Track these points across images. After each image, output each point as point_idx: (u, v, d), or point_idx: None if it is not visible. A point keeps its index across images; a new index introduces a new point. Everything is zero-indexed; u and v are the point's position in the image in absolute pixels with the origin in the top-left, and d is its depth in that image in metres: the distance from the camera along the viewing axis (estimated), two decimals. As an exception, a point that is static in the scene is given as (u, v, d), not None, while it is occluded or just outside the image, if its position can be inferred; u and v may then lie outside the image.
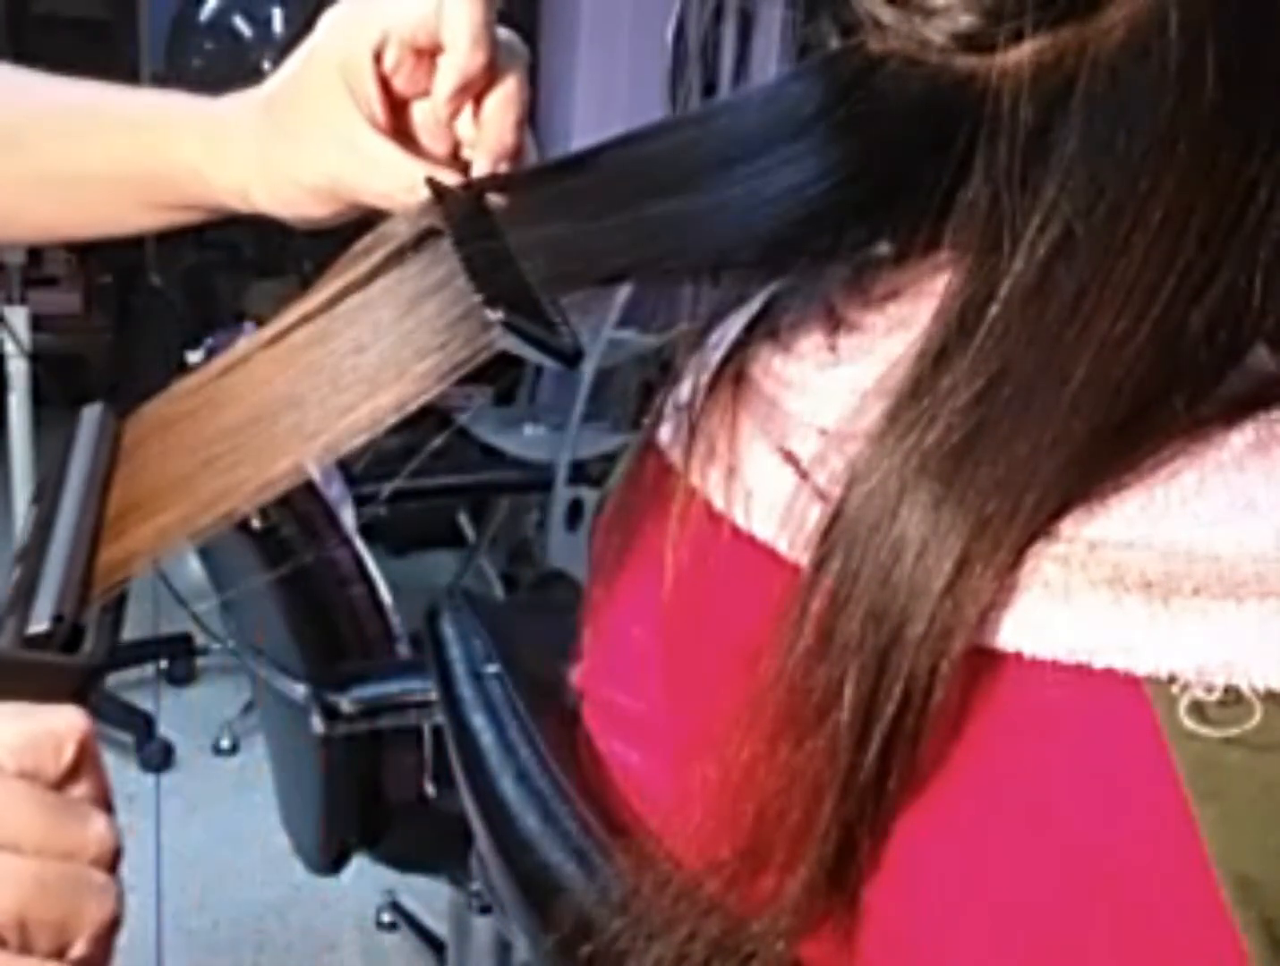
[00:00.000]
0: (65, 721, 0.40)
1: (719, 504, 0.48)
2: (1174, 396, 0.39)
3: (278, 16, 3.22)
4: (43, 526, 0.46)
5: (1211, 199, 0.39)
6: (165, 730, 2.52)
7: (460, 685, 0.69)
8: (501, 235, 0.44)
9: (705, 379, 0.51)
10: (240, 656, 1.68)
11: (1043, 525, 0.38)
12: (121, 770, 2.42)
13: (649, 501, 0.54)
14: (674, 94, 3.08)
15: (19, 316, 2.05)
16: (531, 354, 0.42)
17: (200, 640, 2.75)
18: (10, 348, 2.06)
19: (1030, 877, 0.39)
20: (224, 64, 3.22)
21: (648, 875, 0.48)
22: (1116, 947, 0.38)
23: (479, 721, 0.66)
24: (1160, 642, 0.36)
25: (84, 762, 0.41)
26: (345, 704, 1.38)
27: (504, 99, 0.51)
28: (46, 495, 0.48)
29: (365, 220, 0.54)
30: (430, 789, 1.46)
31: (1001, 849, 0.40)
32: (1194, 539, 0.37)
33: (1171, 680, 0.36)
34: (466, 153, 0.52)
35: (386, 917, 2.07)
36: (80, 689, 0.42)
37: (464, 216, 0.45)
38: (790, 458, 0.46)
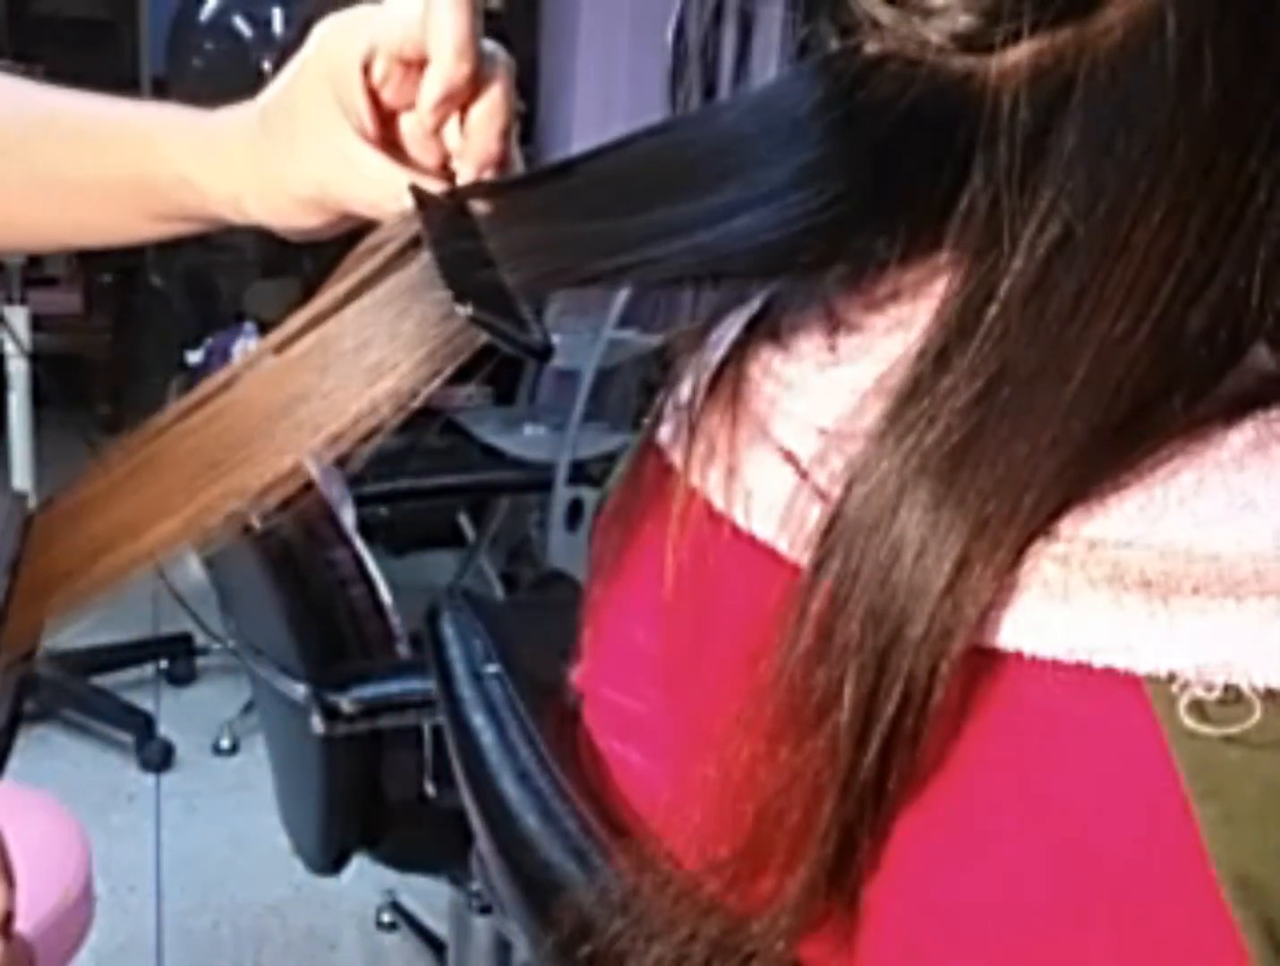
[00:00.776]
0: None
1: (719, 504, 0.48)
2: (1173, 396, 0.39)
3: (278, 16, 3.22)
4: None
5: (1210, 199, 0.39)
6: (165, 730, 2.52)
7: (460, 685, 0.69)
8: (480, 237, 0.45)
9: (705, 379, 0.51)
10: (240, 656, 1.68)
11: (1042, 525, 0.38)
12: (121, 770, 2.42)
13: (649, 501, 0.54)
14: (674, 94, 3.08)
15: (19, 316, 2.05)
16: (504, 347, 0.42)
17: (200, 640, 2.75)
18: (10, 348, 2.06)
19: (1030, 877, 0.39)
20: (224, 64, 3.22)
21: (648, 875, 0.48)
22: (1116, 946, 0.38)
23: (479, 721, 0.66)
24: (1160, 641, 0.36)
25: None
26: (345, 704, 1.38)
27: (489, 109, 0.51)
28: None
29: (358, 229, 0.55)
30: (430, 789, 1.46)
31: (1001, 848, 0.40)
32: (1193, 538, 0.37)
33: (1171, 679, 0.36)
34: (455, 164, 0.53)
35: (386, 917, 2.07)
36: None
37: (443, 221, 0.46)
38: (790, 457, 0.46)
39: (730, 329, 0.52)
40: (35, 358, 2.09)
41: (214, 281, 3.88)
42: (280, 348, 0.47)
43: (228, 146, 0.56)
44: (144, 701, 2.63)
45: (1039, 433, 0.38)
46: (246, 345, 1.58)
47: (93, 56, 3.78)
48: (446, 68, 0.49)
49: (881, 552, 0.40)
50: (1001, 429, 0.39)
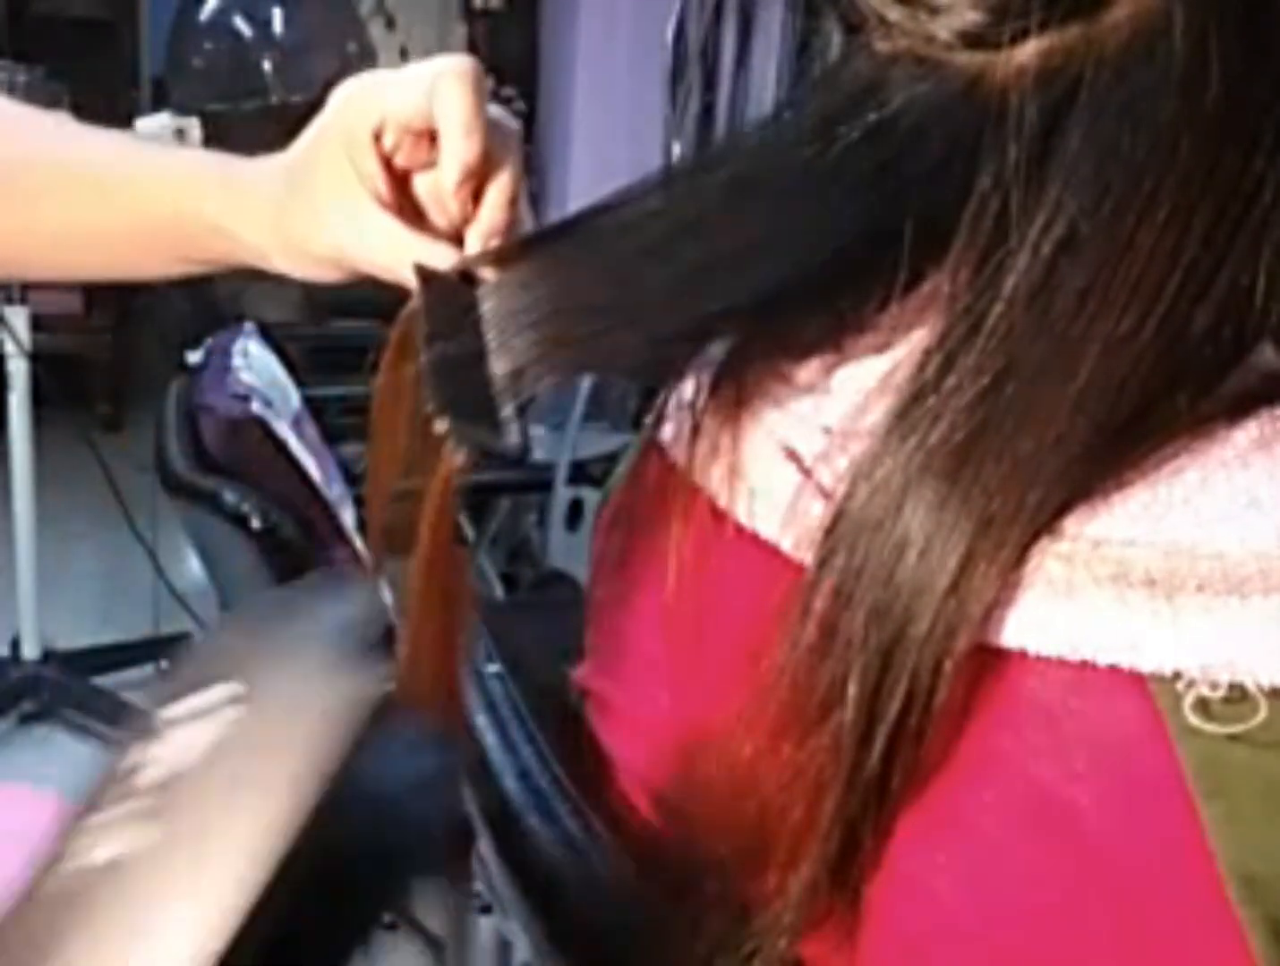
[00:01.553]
0: None
1: (722, 502, 0.48)
2: (1178, 394, 0.39)
3: (278, 16, 3.21)
4: None
5: (1215, 197, 0.38)
6: (165, 730, 2.51)
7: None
8: (475, 320, 0.46)
9: (708, 377, 0.51)
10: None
11: (1046, 523, 0.38)
12: (121, 770, 2.41)
13: (652, 501, 0.54)
14: (674, 94, 3.07)
15: (19, 316, 2.05)
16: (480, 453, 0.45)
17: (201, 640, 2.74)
18: (10, 348, 2.05)
19: (1034, 874, 0.39)
20: (224, 64, 3.22)
21: (649, 873, 0.48)
22: (1121, 944, 0.38)
23: (480, 721, 0.66)
24: (1164, 640, 0.36)
25: None
26: (345, 704, 1.37)
27: (498, 191, 0.52)
28: None
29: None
30: (430, 789, 1.46)
31: (1005, 845, 0.40)
32: (1197, 536, 0.37)
33: (1176, 677, 0.36)
34: (466, 230, 0.54)
35: (386, 917, 2.07)
36: None
37: (443, 306, 0.47)
38: (793, 456, 0.46)
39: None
40: (35, 358, 2.09)
41: (214, 282, 3.88)
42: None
43: (256, 202, 0.57)
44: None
45: (1044, 431, 0.38)
46: (246, 345, 1.58)
47: (93, 56, 3.78)
48: (458, 148, 0.50)
49: (886, 550, 0.40)
50: (1006, 427, 0.39)
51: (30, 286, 2.10)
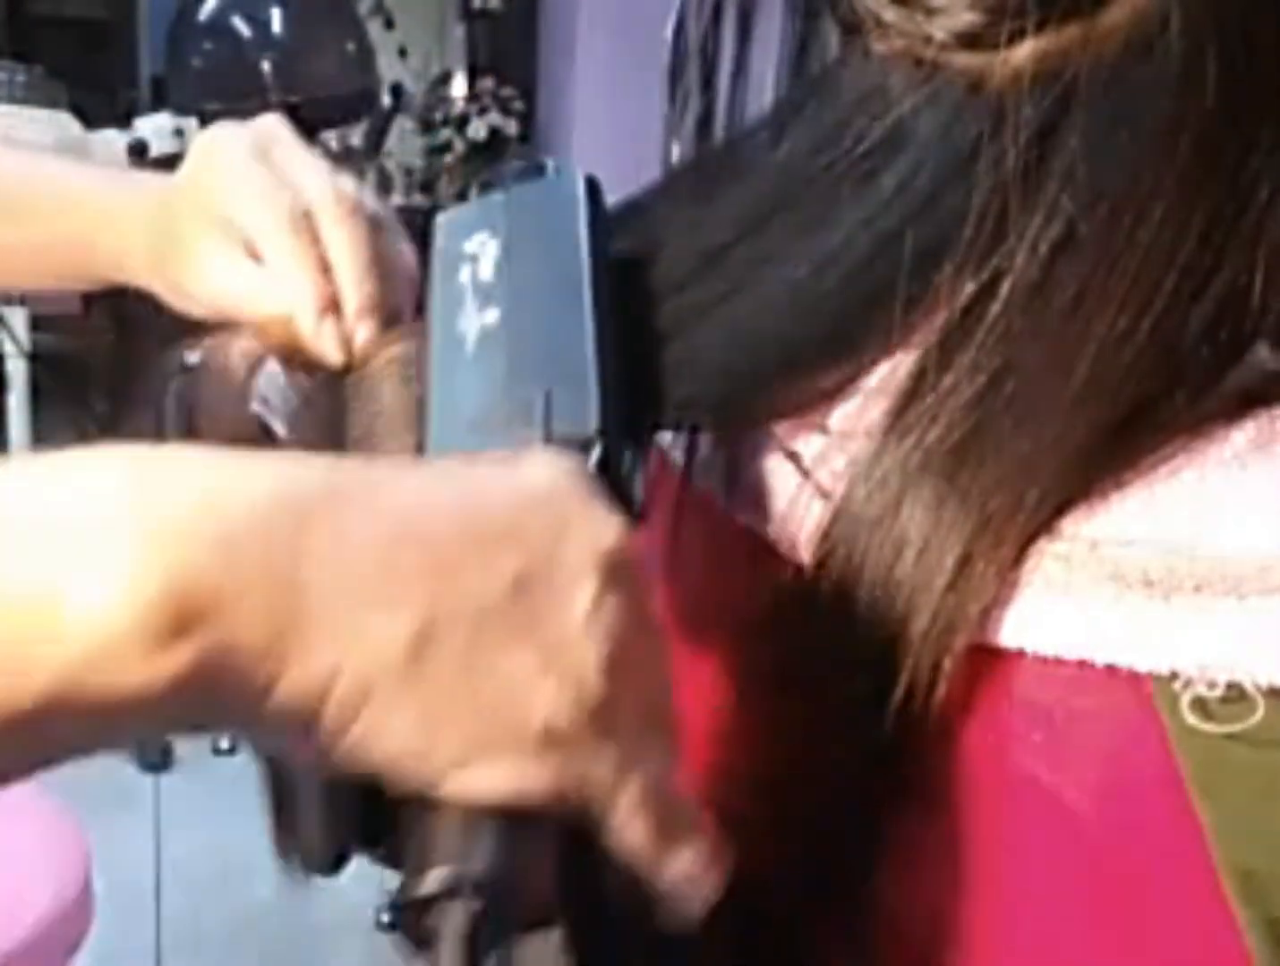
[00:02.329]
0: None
1: (721, 502, 0.48)
2: (1175, 394, 0.39)
3: (277, 17, 3.22)
4: (529, 280, 0.43)
5: (1212, 197, 0.39)
6: (165, 730, 2.51)
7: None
8: None
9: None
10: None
11: (1044, 523, 0.38)
12: (121, 770, 2.41)
13: (649, 500, 0.54)
14: (674, 93, 3.07)
15: (19, 316, 2.06)
16: None
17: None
18: (10, 348, 2.06)
19: (1032, 874, 0.39)
20: (223, 64, 3.22)
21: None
22: (1118, 944, 0.38)
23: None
24: (1162, 639, 0.36)
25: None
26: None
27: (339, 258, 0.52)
28: (515, 237, 0.44)
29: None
30: (430, 788, 1.46)
31: (1004, 845, 0.40)
32: (1195, 536, 0.37)
33: (1174, 677, 0.36)
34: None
35: (386, 917, 2.07)
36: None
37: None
38: (792, 456, 0.46)
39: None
40: (35, 357, 2.09)
41: (213, 281, 3.88)
42: None
43: (132, 228, 0.58)
44: (144, 701, 2.62)
45: (1041, 430, 0.38)
46: (245, 345, 1.58)
47: (92, 56, 3.78)
48: (352, 290, 0.51)
49: (884, 550, 0.40)
50: (1004, 426, 0.39)
51: (30, 286, 2.10)
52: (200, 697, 0.29)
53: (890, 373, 0.43)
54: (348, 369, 0.50)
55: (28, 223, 0.62)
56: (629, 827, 0.34)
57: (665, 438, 0.54)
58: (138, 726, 0.31)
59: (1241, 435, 0.39)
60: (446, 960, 0.31)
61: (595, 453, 0.39)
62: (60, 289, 0.67)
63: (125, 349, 3.86)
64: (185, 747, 2.51)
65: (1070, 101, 0.40)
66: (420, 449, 0.42)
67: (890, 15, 0.42)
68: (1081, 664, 0.38)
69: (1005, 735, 0.39)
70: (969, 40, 0.41)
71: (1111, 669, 0.37)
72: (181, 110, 2.17)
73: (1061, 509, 0.39)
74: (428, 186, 4.32)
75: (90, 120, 1.91)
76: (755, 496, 0.47)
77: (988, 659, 0.39)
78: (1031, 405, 0.39)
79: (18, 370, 2.08)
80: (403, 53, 4.36)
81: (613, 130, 3.46)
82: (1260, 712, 0.35)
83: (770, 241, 0.44)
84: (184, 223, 0.55)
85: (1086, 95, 0.39)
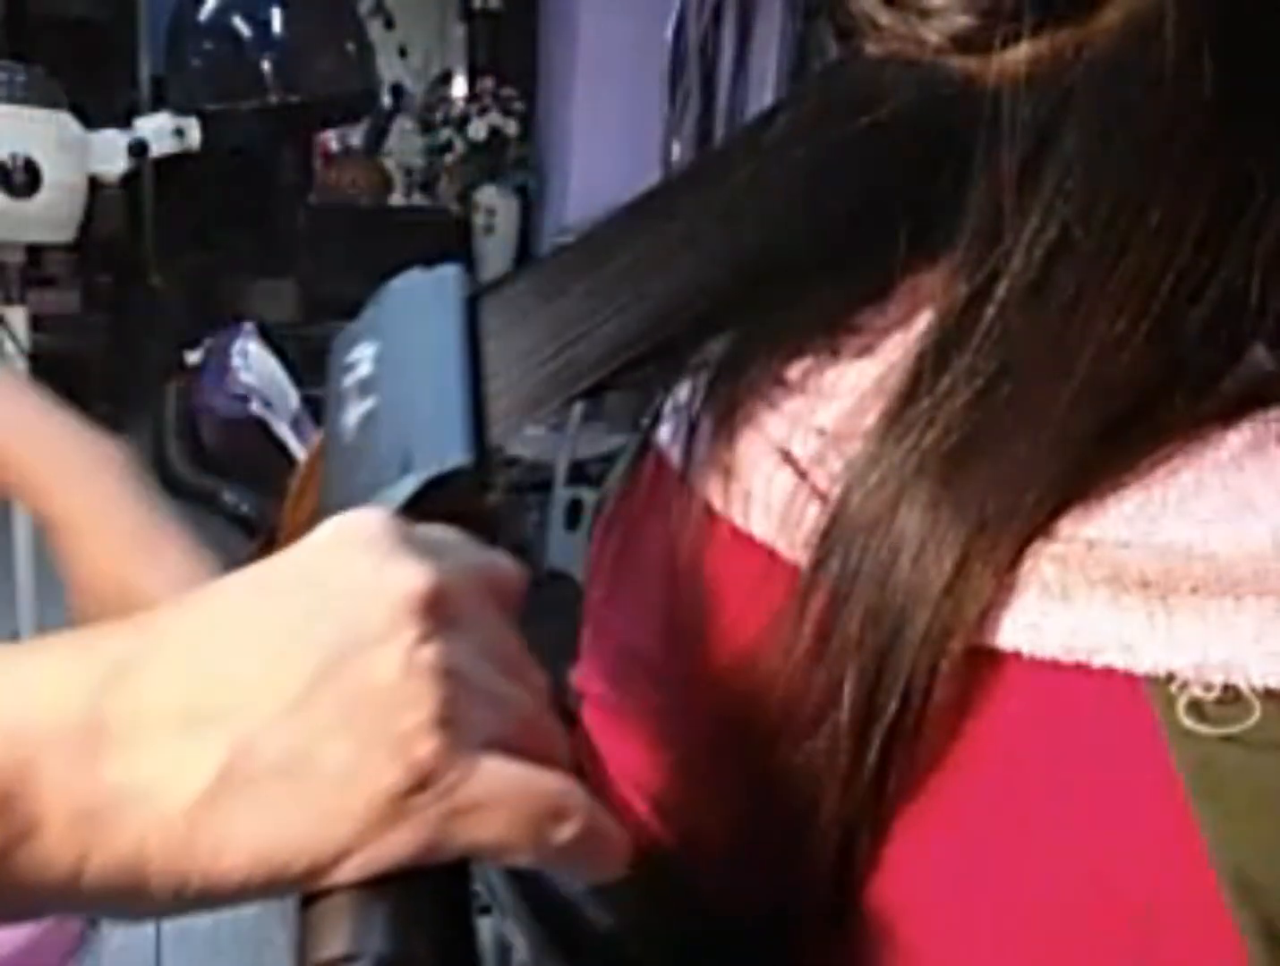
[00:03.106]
0: (513, 564, 0.39)
1: (718, 504, 0.48)
2: (1172, 396, 0.39)
3: (277, 17, 3.21)
4: (403, 366, 0.43)
5: (1209, 199, 0.39)
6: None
7: (460, 685, 0.69)
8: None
9: (704, 379, 0.51)
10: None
11: (1041, 525, 0.38)
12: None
13: (649, 502, 0.54)
14: (674, 93, 3.08)
15: (18, 316, 2.05)
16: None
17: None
18: (10, 348, 2.05)
19: (1030, 877, 0.39)
20: (224, 64, 3.21)
21: (646, 875, 0.48)
22: (1117, 947, 0.38)
23: (479, 721, 0.66)
24: (1158, 641, 0.36)
25: (515, 610, 0.39)
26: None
27: None
28: (394, 336, 0.45)
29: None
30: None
31: (1001, 848, 0.40)
32: (1192, 538, 0.37)
33: (1170, 679, 0.36)
34: None
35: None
36: (493, 529, 0.40)
37: None
38: (789, 458, 0.46)
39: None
40: (34, 358, 2.09)
41: (213, 281, 3.88)
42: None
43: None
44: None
45: (1038, 432, 0.38)
46: (245, 346, 1.58)
47: (92, 56, 3.78)
48: None
49: (881, 552, 0.40)
50: (1000, 429, 0.39)
51: (29, 286, 2.10)
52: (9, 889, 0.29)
53: (887, 374, 0.43)
54: None
55: None
56: (513, 845, 0.33)
57: (662, 439, 0.54)
58: None
59: (1238, 437, 0.39)
60: None
61: (409, 485, 0.39)
62: None
63: (125, 349, 3.86)
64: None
65: (1066, 104, 0.40)
66: None
67: (885, 18, 0.42)
68: (1078, 666, 0.38)
69: (1001, 737, 0.40)
70: (964, 43, 0.41)
71: (1108, 671, 0.37)
72: (181, 110, 2.17)
73: (1058, 511, 0.39)
74: (428, 186, 4.32)
75: (90, 120, 1.91)
76: (752, 499, 0.47)
77: (985, 661, 0.39)
78: (1028, 407, 0.39)
79: (17, 370, 2.07)
80: (403, 53, 4.36)
81: (613, 130, 3.46)
82: (1257, 714, 0.35)
83: (748, 217, 0.44)
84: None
85: (1082, 97, 0.39)
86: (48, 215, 1.86)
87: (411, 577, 0.33)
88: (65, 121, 1.85)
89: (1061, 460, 0.38)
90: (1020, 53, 0.40)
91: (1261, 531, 0.37)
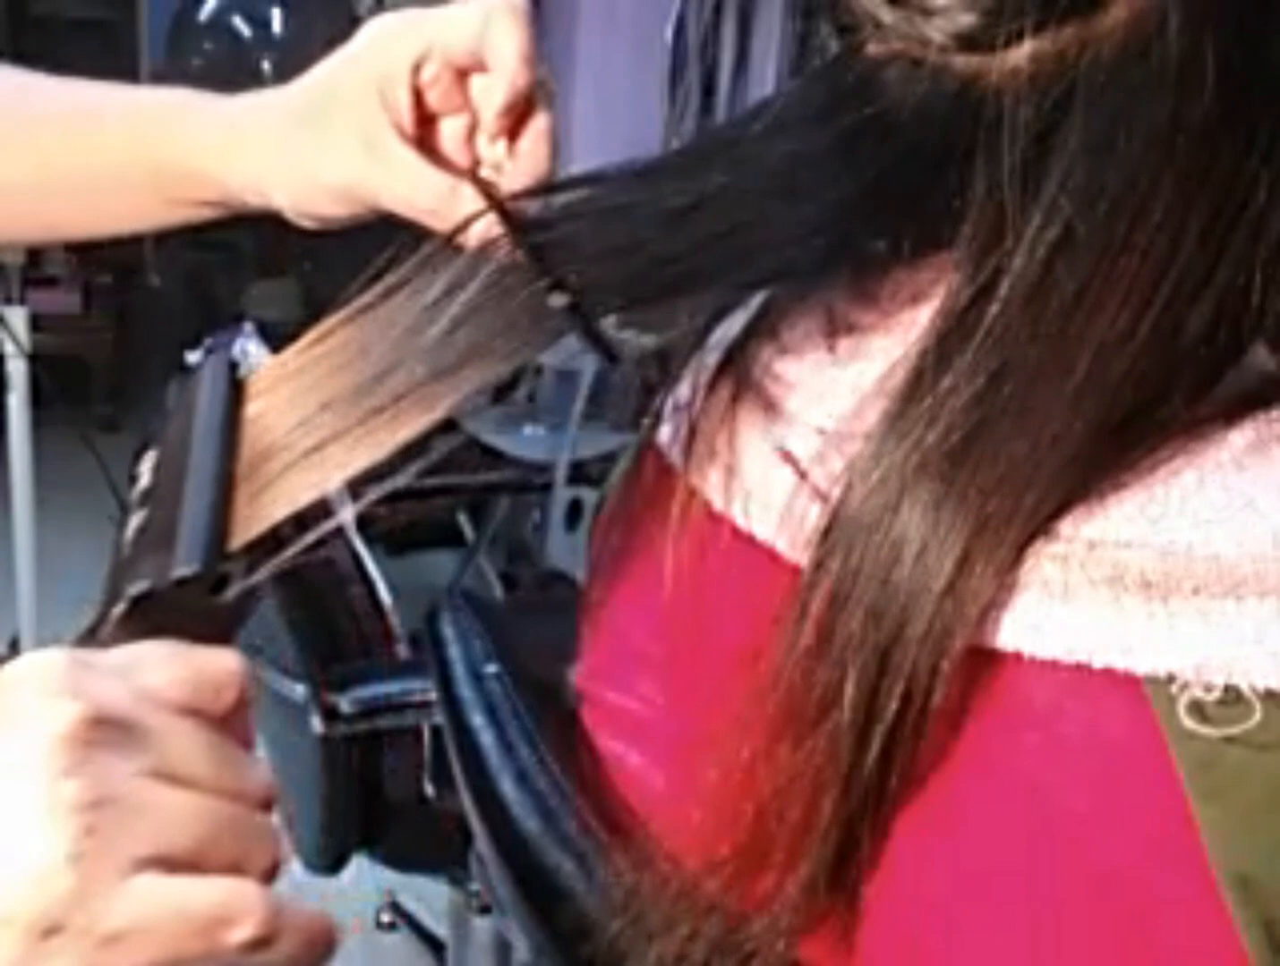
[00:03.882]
0: (226, 663, 0.39)
1: (718, 504, 0.48)
2: (1173, 395, 0.39)
3: (277, 16, 3.22)
4: (171, 471, 0.45)
5: (1210, 198, 0.39)
6: (165, 730, 2.51)
7: (460, 685, 0.69)
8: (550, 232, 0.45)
9: (705, 379, 0.51)
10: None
11: (1042, 524, 0.38)
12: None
13: (649, 501, 0.54)
14: (674, 93, 3.07)
15: (18, 316, 2.05)
16: (586, 344, 0.44)
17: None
18: (10, 348, 2.05)
19: (1030, 876, 0.39)
20: (224, 64, 3.22)
21: (647, 875, 0.48)
22: (1117, 947, 0.38)
23: (479, 721, 0.66)
24: (1159, 642, 0.36)
25: (240, 707, 0.39)
26: (345, 704, 1.38)
27: (541, 132, 0.52)
28: (170, 440, 0.47)
29: (370, 224, 0.55)
30: (430, 789, 1.46)
31: (1001, 847, 0.40)
32: (1193, 538, 0.37)
33: (1171, 679, 0.36)
34: (485, 171, 0.53)
35: (386, 917, 2.07)
36: (229, 633, 0.42)
37: (516, 219, 0.47)
38: (789, 458, 0.46)
39: (729, 329, 0.52)
40: (34, 358, 2.09)
41: (213, 281, 3.88)
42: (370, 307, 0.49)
43: (253, 131, 0.56)
44: (143, 701, 2.62)
45: (1039, 432, 0.38)
46: (245, 345, 1.58)
47: (93, 56, 3.78)
48: (512, 75, 0.50)
49: (882, 552, 0.40)
50: (1002, 428, 0.39)
51: (29, 286, 2.10)
52: None
53: (888, 374, 0.43)
54: None
55: (109, 145, 0.58)
56: (183, 959, 0.34)
57: (663, 438, 0.54)
58: None
59: (1239, 437, 0.39)
60: None
61: (125, 602, 0.41)
62: (141, 221, 0.62)
63: (125, 349, 3.85)
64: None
65: (1068, 103, 0.40)
66: None
67: (888, 17, 0.42)
68: (1079, 666, 0.38)
69: (1002, 737, 0.39)
70: (967, 42, 0.41)
71: (1109, 671, 0.37)
72: (181, 110, 2.17)
73: (1060, 510, 0.39)
74: (428, 186, 4.31)
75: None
76: (752, 498, 0.47)
77: (986, 661, 0.39)
78: (1030, 407, 0.39)
79: (18, 370, 2.07)
80: (403, 52, 4.35)
81: (613, 130, 3.45)
82: (1257, 715, 0.35)
83: (745, 207, 0.44)
84: (329, 106, 0.53)
85: (1084, 96, 0.39)
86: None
87: (59, 714, 0.34)
88: (65, 121, 1.85)
89: (1063, 459, 0.38)
90: (1023, 52, 0.40)
91: (1263, 531, 0.37)
